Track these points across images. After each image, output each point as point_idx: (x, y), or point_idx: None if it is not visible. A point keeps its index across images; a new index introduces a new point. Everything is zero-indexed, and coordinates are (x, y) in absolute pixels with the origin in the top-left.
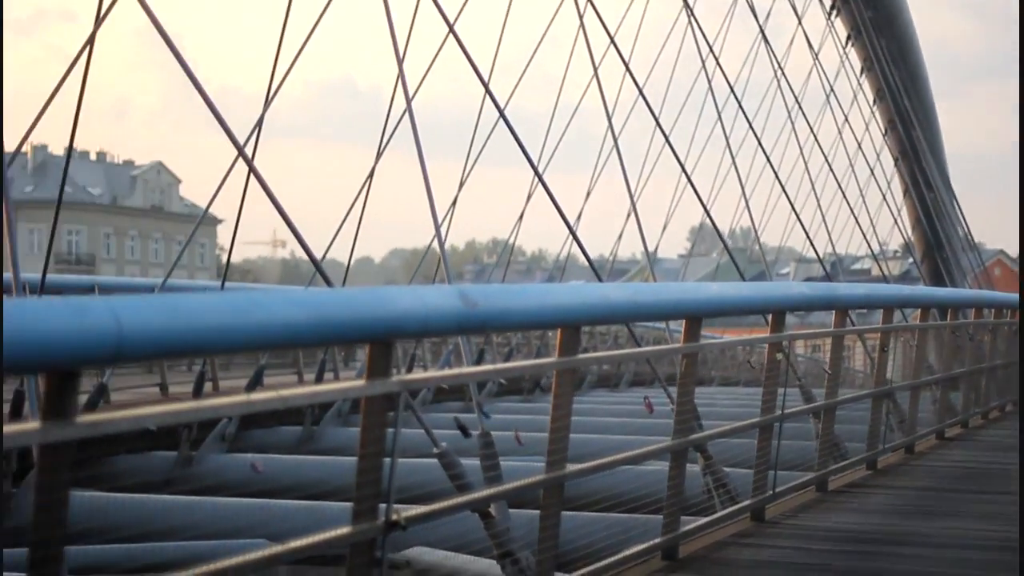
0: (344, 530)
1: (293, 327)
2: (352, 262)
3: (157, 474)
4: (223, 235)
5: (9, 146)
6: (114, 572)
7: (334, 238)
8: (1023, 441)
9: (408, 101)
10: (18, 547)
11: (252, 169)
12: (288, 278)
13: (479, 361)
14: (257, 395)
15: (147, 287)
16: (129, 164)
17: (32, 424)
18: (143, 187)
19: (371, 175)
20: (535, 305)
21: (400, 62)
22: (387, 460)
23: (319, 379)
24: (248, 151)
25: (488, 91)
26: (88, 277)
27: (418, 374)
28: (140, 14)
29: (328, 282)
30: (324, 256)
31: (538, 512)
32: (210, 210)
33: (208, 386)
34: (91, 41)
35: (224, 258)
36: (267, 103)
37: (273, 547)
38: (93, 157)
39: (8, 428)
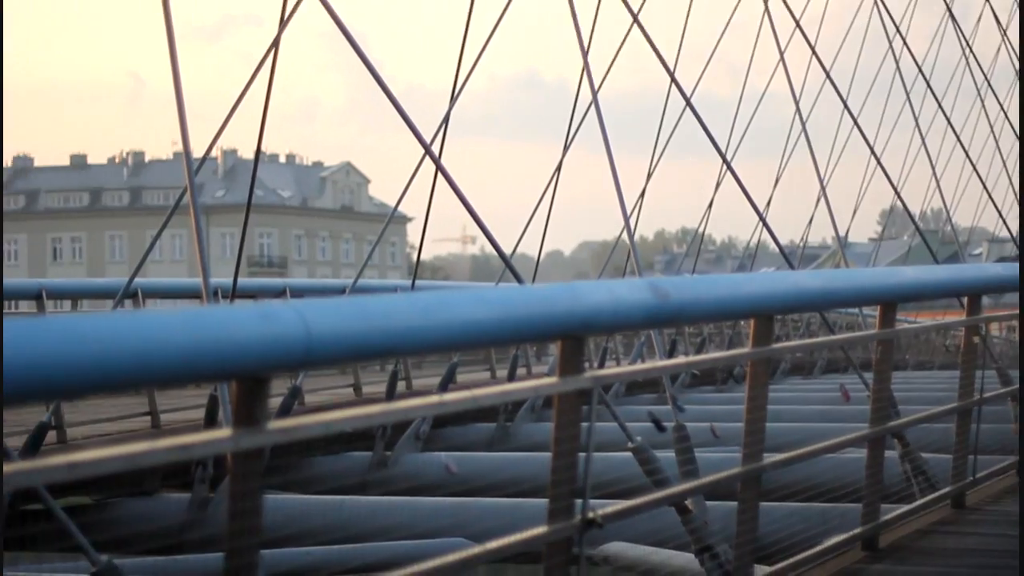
0: (541, 530)
1: (482, 326)
2: (542, 256)
3: (353, 475)
4: (412, 233)
5: (198, 151)
6: (310, 573)
7: (523, 233)
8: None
9: (594, 93)
10: (215, 549)
11: (439, 166)
12: (478, 274)
13: (671, 352)
14: (449, 396)
15: (338, 288)
16: (318, 165)
17: (223, 432)
18: (332, 188)
19: (559, 168)
20: (727, 295)
21: (585, 54)
22: (582, 456)
23: (511, 375)
24: (435, 148)
25: (674, 80)
26: (279, 280)
27: (611, 369)
28: (324, 16)
29: (518, 278)
30: (514, 251)
31: (734, 504)
32: (399, 209)
33: (401, 385)
34: (276, 44)
35: (414, 256)
36: (453, 100)
37: (472, 548)
38: (283, 160)
39: (201, 436)
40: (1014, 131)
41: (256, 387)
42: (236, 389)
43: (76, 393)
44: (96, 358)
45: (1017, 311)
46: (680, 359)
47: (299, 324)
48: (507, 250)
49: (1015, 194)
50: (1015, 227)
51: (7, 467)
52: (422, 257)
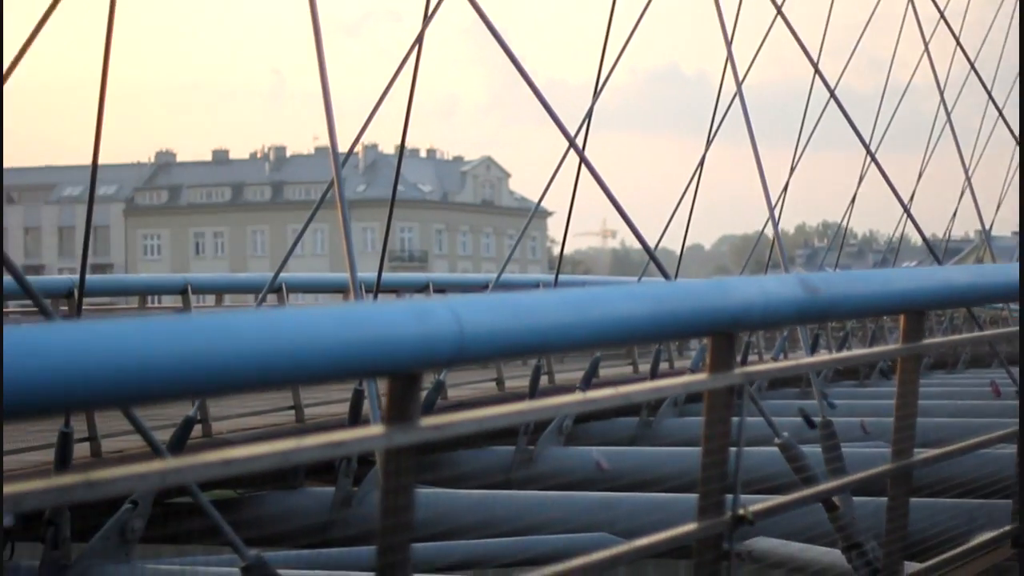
0: (691, 527)
1: (633, 322)
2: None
3: (496, 469)
4: (552, 227)
5: (339, 146)
6: (457, 569)
7: (666, 227)
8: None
9: (738, 84)
10: (361, 544)
11: (584, 160)
12: (619, 268)
13: (814, 348)
14: (600, 392)
15: (481, 283)
16: (459, 160)
17: (376, 429)
18: (473, 182)
19: (701, 162)
20: (878, 291)
21: (729, 44)
22: (732, 452)
23: (654, 370)
24: (578, 142)
25: (818, 72)
26: (423, 275)
27: (761, 365)
28: (465, 12)
29: (664, 273)
30: (657, 245)
31: (880, 500)
32: (540, 203)
33: (544, 380)
34: (420, 40)
35: (554, 250)
36: (596, 93)
37: (621, 545)
38: (423, 154)
39: (355, 433)
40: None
41: (409, 384)
42: (389, 386)
43: (231, 390)
44: (251, 355)
45: None
46: (831, 355)
47: (452, 321)
48: (650, 244)
49: None
50: None
51: (165, 463)
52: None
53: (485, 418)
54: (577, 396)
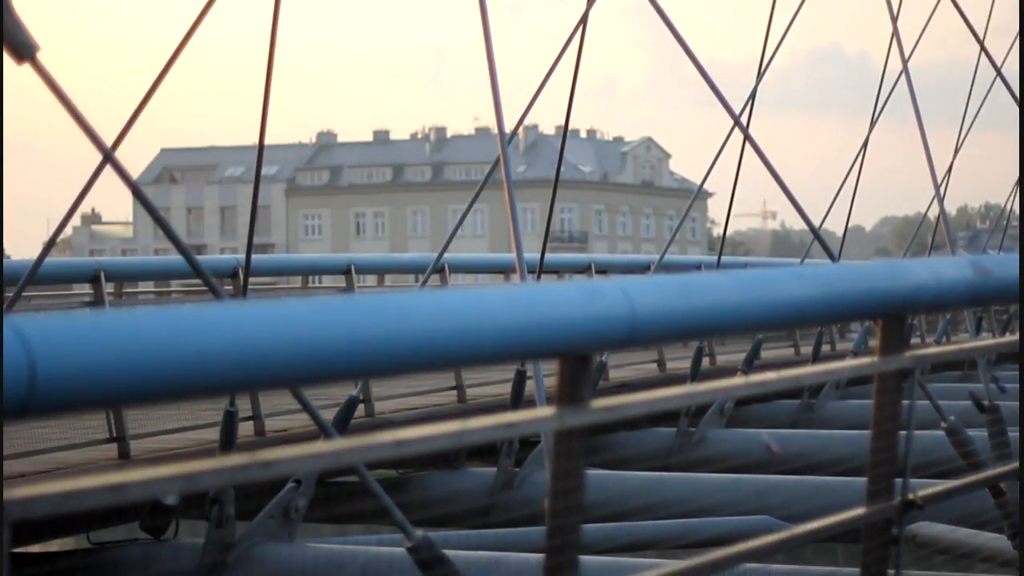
0: (858, 511)
1: (804, 304)
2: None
3: (658, 451)
4: (712, 208)
5: (507, 127)
6: (622, 551)
7: (829, 208)
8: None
9: (904, 63)
10: (525, 525)
11: (749, 139)
12: (778, 249)
13: (978, 330)
14: (762, 376)
15: (642, 264)
16: (619, 140)
17: (546, 410)
18: (633, 163)
19: (865, 144)
20: None
21: (894, 20)
22: (900, 435)
23: (816, 353)
24: (742, 122)
25: (984, 49)
26: (584, 256)
27: (932, 348)
28: None
29: (831, 255)
30: (820, 226)
31: None
32: (703, 184)
33: (705, 361)
34: (584, 21)
35: (714, 231)
36: (760, 74)
37: (786, 530)
38: (583, 135)
39: (527, 414)
40: None
41: (580, 365)
42: (560, 366)
43: (403, 371)
44: (423, 336)
45: None
46: (1002, 338)
47: (624, 302)
48: (814, 224)
49: None
50: None
51: (338, 443)
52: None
53: (655, 400)
54: (745, 379)
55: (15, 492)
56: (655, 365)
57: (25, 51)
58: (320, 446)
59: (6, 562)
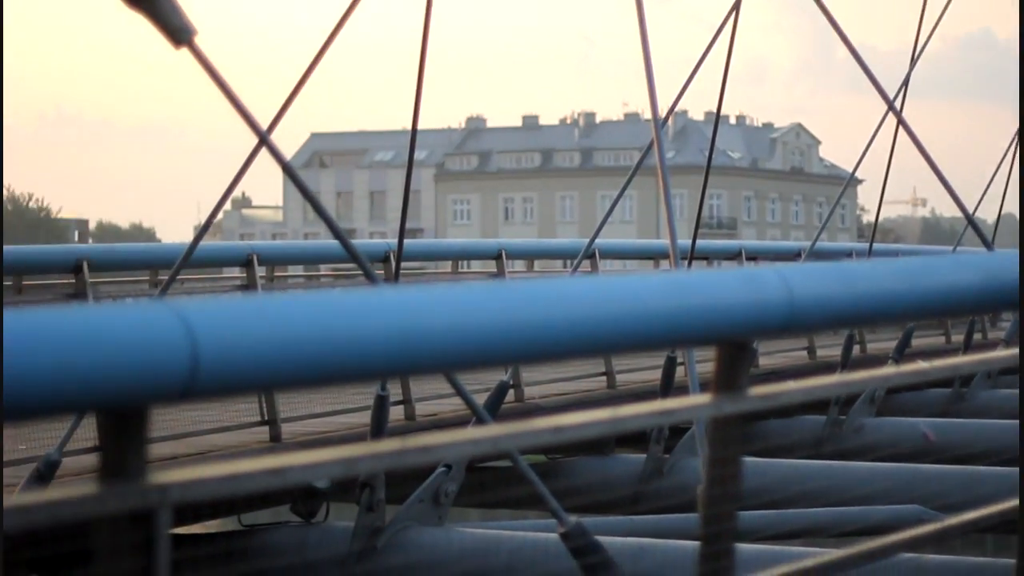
0: (1012, 503)
1: (963, 293)
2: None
3: (808, 439)
4: (862, 195)
5: (649, 113)
6: (774, 539)
7: (981, 197)
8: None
9: None
10: (674, 512)
11: (904, 125)
12: (929, 237)
13: None
14: (914, 366)
15: (792, 251)
16: (768, 127)
17: (703, 397)
18: (782, 149)
19: (1020, 132)
20: None
21: None
22: None
23: (967, 341)
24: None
25: None
26: (734, 242)
27: None
28: None
29: (985, 240)
30: (973, 213)
31: None
32: (855, 171)
33: (855, 349)
34: (736, 7)
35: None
36: (913, 60)
37: (939, 521)
38: (732, 121)
39: (680, 402)
40: None
41: (738, 352)
42: (717, 353)
43: (558, 357)
44: (582, 322)
45: None
46: None
47: (783, 289)
48: (968, 211)
49: None
50: None
51: (493, 429)
52: (871, 219)
53: (812, 388)
54: (898, 368)
55: (176, 475)
56: (805, 352)
57: (182, 35)
58: (478, 431)
59: (166, 543)
